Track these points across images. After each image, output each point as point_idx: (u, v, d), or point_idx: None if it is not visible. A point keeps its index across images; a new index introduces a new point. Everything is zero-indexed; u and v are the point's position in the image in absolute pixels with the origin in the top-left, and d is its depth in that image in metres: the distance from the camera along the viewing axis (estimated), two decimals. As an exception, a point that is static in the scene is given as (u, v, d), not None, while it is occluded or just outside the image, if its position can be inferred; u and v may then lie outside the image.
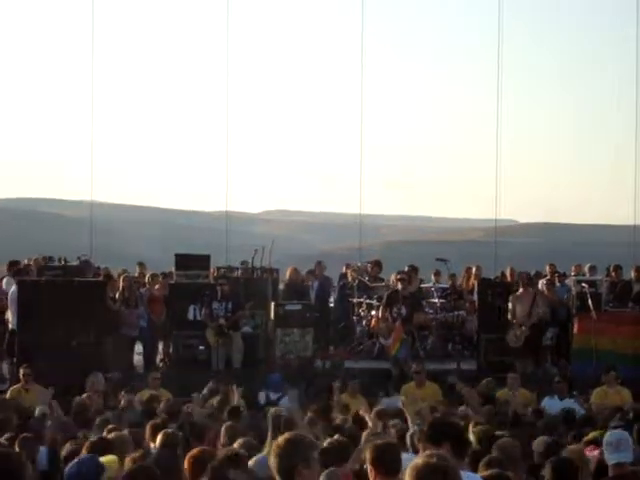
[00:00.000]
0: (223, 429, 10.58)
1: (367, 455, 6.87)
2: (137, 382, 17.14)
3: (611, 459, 8.66)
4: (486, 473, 7.53)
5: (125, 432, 10.14)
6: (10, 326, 19.04)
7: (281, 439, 5.82)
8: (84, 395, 14.85)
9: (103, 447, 8.80)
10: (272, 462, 5.73)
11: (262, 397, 16.60)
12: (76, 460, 7.58)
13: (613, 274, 21.05)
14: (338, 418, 12.61)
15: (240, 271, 21.54)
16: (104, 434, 10.19)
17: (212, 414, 12.61)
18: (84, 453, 8.49)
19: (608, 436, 8.95)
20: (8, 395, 16.35)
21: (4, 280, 19.90)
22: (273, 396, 16.54)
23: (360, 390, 16.35)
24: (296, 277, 21.18)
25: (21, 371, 16.68)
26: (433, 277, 22.66)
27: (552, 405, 15.44)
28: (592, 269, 21.91)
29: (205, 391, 15.12)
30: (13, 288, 19.05)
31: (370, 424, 11.56)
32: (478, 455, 8.39)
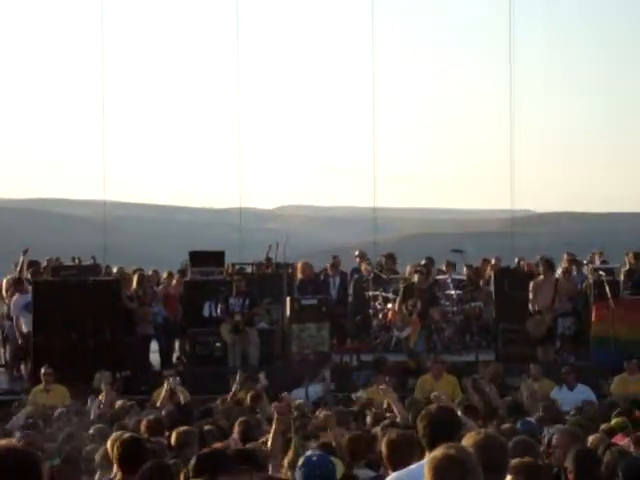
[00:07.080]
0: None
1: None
2: (154, 380, 17.05)
3: None
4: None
5: None
6: (24, 329, 19.02)
7: None
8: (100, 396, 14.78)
9: None
10: None
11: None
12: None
13: (631, 261, 20.83)
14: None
15: (255, 267, 21.43)
16: None
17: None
18: None
19: None
20: (30, 396, 16.31)
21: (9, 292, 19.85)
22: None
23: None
24: (310, 272, 21.09)
25: (42, 371, 16.61)
26: (445, 268, 22.44)
27: (562, 396, 15.28)
28: (601, 256, 21.78)
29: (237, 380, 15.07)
30: (16, 297, 19.12)
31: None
32: None
